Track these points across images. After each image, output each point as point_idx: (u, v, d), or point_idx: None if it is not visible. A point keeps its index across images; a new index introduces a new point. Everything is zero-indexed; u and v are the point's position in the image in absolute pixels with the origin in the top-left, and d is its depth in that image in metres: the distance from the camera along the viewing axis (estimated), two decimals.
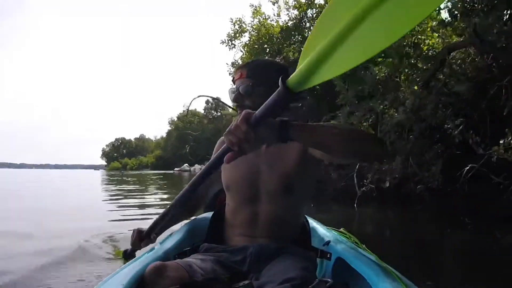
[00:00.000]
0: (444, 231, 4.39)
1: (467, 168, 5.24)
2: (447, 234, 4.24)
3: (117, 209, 6.17)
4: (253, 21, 12.41)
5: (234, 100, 1.25)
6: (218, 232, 1.34)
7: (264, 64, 1.30)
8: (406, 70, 6.64)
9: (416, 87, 6.71)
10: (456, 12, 6.56)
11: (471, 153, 5.13)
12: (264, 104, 0.84)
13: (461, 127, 5.25)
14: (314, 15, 11.82)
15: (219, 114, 55.44)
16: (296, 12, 12.24)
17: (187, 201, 1.20)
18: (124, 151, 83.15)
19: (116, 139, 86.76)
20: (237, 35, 12.16)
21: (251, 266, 1.16)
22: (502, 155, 4.48)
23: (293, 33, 12.00)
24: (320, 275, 1.18)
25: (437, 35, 7.74)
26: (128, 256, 1.44)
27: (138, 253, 1.34)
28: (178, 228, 1.52)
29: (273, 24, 12.67)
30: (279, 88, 0.80)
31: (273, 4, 12.65)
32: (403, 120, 6.10)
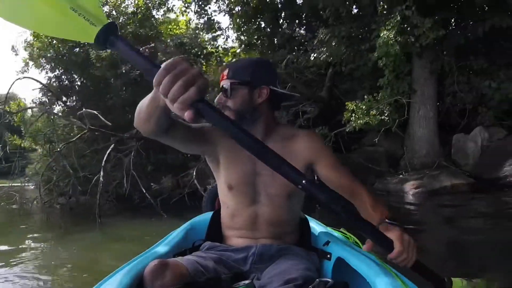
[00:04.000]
0: None
1: None
2: None
3: None
4: None
5: (216, 101, 1.21)
6: (218, 232, 1.32)
7: (246, 63, 1.25)
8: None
9: None
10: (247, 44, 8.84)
11: None
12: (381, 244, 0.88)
13: None
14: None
15: None
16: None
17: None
18: None
19: None
20: None
21: (253, 266, 1.16)
22: None
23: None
24: (320, 275, 1.19)
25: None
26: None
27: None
28: (177, 228, 1.49)
29: None
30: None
31: None
32: None
